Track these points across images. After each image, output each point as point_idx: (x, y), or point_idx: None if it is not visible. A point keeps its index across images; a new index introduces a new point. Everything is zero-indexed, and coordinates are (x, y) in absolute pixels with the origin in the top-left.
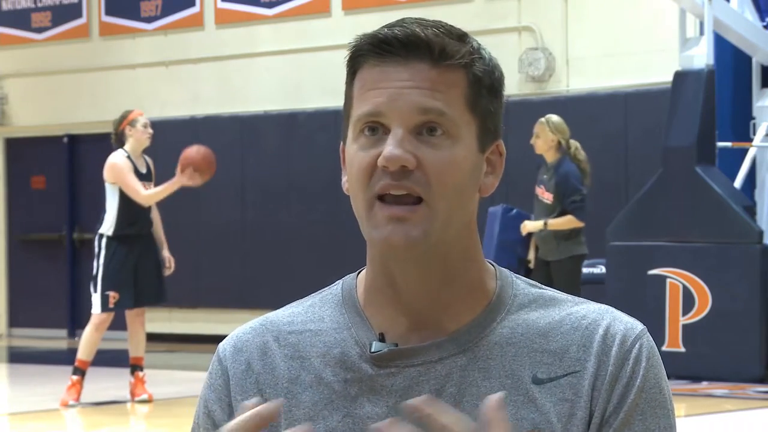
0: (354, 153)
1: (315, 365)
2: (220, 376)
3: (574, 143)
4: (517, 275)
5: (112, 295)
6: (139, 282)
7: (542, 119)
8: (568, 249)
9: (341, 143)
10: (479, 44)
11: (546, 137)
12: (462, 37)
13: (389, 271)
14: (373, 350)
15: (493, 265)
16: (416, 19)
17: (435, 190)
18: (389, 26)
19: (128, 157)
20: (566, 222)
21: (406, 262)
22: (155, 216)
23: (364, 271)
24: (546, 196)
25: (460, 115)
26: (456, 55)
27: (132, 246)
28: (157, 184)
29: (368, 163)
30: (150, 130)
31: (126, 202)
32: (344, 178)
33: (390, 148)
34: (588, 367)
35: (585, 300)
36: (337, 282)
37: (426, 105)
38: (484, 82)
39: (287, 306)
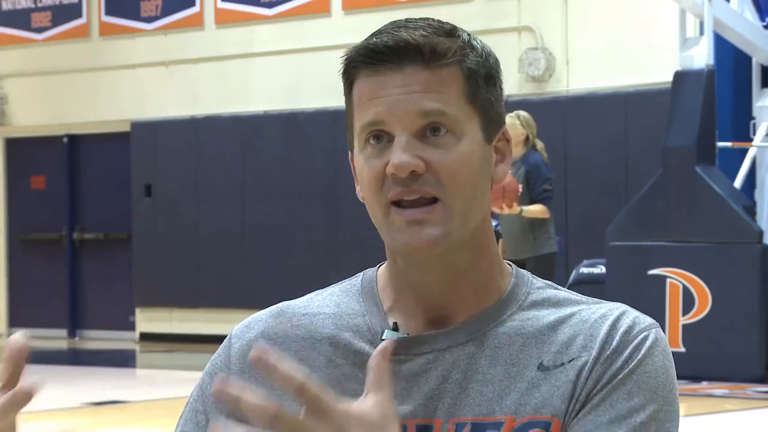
0: (363, 163)
1: (325, 347)
2: (223, 351)
3: (540, 142)
4: (536, 277)
5: None
6: None
7: (512, 114)
8: (544, 245)
9: (349, 153)
10: (470, 35)
11: (516, 131)
12: (451, 32)
13: (408, 274)
14: (383, 338)
15: (510, 266)
16: (405, 20)
17: (448, 189)
18: (377, 34)
19: None
20: (540, 211)
21: (427, 264)
22: None
23: (384, 266)
24: None
25: (461, 111)
26: (448, 53)
27: None
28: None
29: (378, 172)
30: None
31: None
32: (357, 187)
33: (397, 155)
34: (592, 353)
35: (600, 300)
36: (358, 274)
37: (425, 107)
38: (480, 72)
39: (307, 294)
